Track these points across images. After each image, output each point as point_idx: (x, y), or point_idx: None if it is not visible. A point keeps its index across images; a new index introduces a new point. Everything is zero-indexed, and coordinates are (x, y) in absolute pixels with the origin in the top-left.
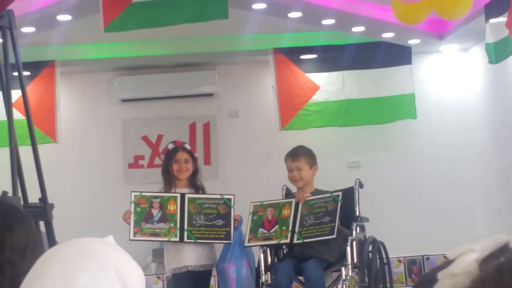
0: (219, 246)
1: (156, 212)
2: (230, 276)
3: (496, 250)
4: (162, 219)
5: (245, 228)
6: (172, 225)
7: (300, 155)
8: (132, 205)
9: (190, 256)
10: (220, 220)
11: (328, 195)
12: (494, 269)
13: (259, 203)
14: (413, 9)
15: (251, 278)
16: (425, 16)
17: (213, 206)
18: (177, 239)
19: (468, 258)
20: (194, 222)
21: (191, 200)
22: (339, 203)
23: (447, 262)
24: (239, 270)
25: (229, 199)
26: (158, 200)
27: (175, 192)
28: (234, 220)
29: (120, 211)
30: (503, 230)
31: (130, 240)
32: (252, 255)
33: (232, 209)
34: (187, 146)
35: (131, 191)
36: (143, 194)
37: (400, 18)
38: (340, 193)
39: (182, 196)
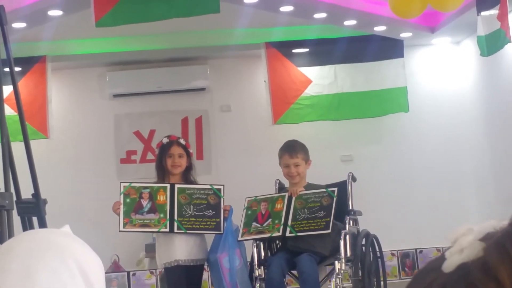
0: (210, 240)
1: (145, 203)
2: (223, 266)
3: (491, 232)
4: (152, 210)
5: (239, 222)
6: (162, 215)
7: (298, 151)
8: (122, 196)
9: (182, 250)
10: (210, 211)
11: (323, 190)
12: (505, 231)
13: (253, 198)
14: (409, 3)
15: (245, 268)
16: (421, 10)
17: (203, 196)
18: (167, 229)
19: (471, 236)
20: (184, 212)
21: (181, 191)
22: (335, 199)
23: (446, 250)
24: (232, 260)
25: (219, 189)
26: (148, 190)
27: (164, 182)
28: (224, 210)
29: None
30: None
31: (120, 231)
32: (244, 244)
33: (222, 200)
34: (182, 141)
35: (121, 182)
36: (133, 184)
37: (396, 12)
38: (335, 189)
39: (172, 186)
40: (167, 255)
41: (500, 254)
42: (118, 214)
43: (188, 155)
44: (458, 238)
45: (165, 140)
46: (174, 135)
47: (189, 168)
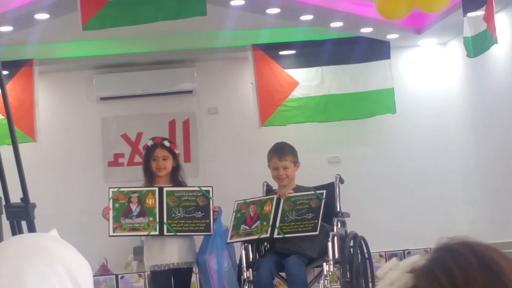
0: (199, 241)
1: (134, 207)
2: (211, 267)
3: (416, 265)
4: (141, 214)
5: (228, 224)
6: (151, 219)
7: (287, 154)
8: (110, 201)
9: (172, 254)
10: (199, 212)
11: (312, 192)
12: (432, 258)
13: (243, 201)
14: (395, 5)
15: (232, 270)
16: (407, 12)
17: (192, 198)
18: (157, 232)
19: (398, 270)
20: (173, 215)
21: (170, 193)
22: (323, 201)
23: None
24: (220, 261)
25: (208, 191)
26: (136, 194)
27: (152, 186)
28: (213, 211)
29: (101, 209)
30: (482, 222)
31: (110, 236)
32: (233, 246)
33: (210, 201)
34: (166, 143)
35: (109, 187)
36: (121, 189)
37: (383, 14)
38: (324, 191)
39: (160, 189)
40: (157, 259)
41: (429, 278)
42: (108, 220)
43: (174, 156)
44: (386, 273)
45: (149, 143)
46: (159, 137)
47: (176, 169)
